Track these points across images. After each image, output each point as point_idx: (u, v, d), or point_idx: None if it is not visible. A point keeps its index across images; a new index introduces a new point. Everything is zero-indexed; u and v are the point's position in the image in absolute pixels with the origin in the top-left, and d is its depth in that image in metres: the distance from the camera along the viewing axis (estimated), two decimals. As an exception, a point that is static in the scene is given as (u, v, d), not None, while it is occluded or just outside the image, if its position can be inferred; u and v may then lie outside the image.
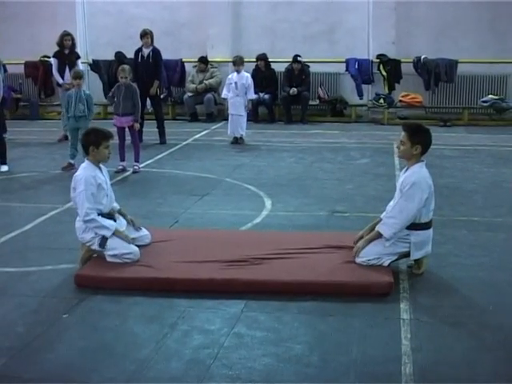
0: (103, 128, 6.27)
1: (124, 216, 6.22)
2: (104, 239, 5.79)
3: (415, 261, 5.81)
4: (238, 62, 12.94)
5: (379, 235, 5.70)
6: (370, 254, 5.68)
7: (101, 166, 6.10)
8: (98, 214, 5.83)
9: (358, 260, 5.69)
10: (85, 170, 5.94)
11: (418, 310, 5.02)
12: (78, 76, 10.28)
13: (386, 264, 5.67)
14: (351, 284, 5.38)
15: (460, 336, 4.63)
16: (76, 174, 5.99)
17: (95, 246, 5.83)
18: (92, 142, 5.98)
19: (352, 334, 4.64)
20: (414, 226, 5.68)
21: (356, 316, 4.95)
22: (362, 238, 5.86)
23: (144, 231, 6.28)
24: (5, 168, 10.30)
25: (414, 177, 5.67)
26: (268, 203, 8.18)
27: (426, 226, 5.73)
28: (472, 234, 6.88)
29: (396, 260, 5.79)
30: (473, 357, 4.33)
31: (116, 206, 6.21)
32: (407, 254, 5.76)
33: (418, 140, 5.74)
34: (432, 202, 5.76)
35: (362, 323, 4.83)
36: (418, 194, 5.60)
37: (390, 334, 4.64)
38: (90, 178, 5.85)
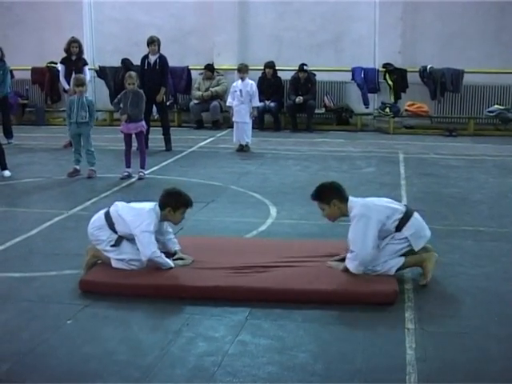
0: (187, 194, 6.05)
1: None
2: (119, 239, 5.80)
3: (421, 267, 5.80)
4: (242, 70, 12.97)
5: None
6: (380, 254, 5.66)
7: (167, 224, 6.08)
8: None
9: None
10: (153, 215, 5.82)
11: (423, 320, 5.01)
12: (81, 83, 10.32)
13: (392, 272, 5.66)
14: (356, 293, 5.37)
15: (465, 346, 4.61)
16: (143, 209, 5.89)
17: (103, 246, 5.82)
18: (172, 205, 5.88)
19: (356, 343, 4.63)
20: (400, 227, 5.67)
21: (361, 325, 4.94)
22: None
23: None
24: (7, 173, 10.26)
25: (357, 211, 5.69)
26: (273, 211, 8.18)
27: (407, 216, 5.71)
28: (477, 243, 6.87)
29: (402, 267, 5.76)
30: (478, 367, 4.31)
31: (177, 246, 6.18)
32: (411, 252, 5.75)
33: (327, 198, 5.82)
34: (385, 213, 5.69)
35: (367, 332, 4.82)
36: (370, 224, 5.59)
37: (395, 343, 4.63)
38: (154, 221, 5.79)
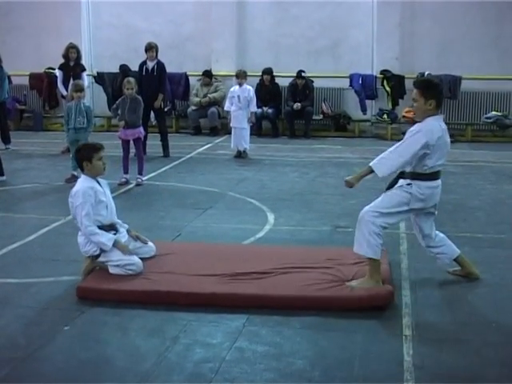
0: (93, 141, 6.30)
1: (129, 232, 6.22)
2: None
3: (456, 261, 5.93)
4: (241, 76, 12.99)
5: (370, 172, 5.70)
6: (378, 205, 5.68)
7: (100, 179, 6.10)
8: (99, 227, 5.84)
9: (365, 213, 5.65)
10: (81, 182, 5.96)
11: (421, 326, 5.00)
12: (79, 89, 10.30)
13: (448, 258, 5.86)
14: (353, 298, 5.36)
15: (462, 353, 4.61)
16: (73, 189, 5.98)
17: (98, 251, 5.84)
18: (84, 158, 5.97)
19: (354, 350, 4.62)
20: (417, 176, 5.64)
21: (358, 332, 4.94)
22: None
23: (149, 244, 6.28)
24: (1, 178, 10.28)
25: (422, 126, 5.62)
26: (271, 217, 8.18)
27: (430, 177, 5.66)
28: (475, 250, 6.85)
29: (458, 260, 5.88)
30: (475, 374, 4.31)
31: (125, 225, 6.23)
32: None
33: (431, 94, 5.67)
34: (440, 155, 5.64)
35: (364, 339, 4.81)
36: (420, 140, 5.54)
37: (392, 350, 4.62)
38: (87, 189, 5.85)
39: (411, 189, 5.64)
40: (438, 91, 5.77)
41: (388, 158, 5.66)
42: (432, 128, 5.61)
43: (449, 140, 5.81)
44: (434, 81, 6.02)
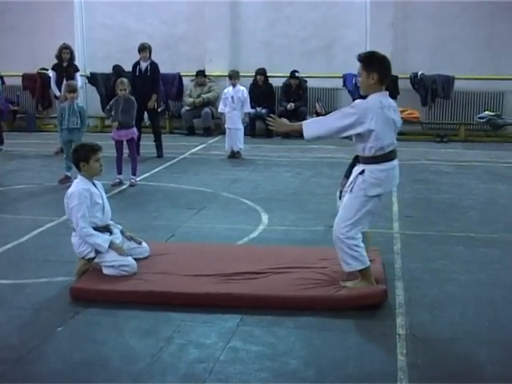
0: (90, 142, 6.27)
1: (123, 233, 6.21)
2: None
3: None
4: (234, 76, 13.00)
5: (299, 129, 5.54)
6: (344, 218, 5.46)
7: (95, 181, 6.09)
8: (94, 228, 5.83)
9: (337, 232, 5.47)
10: (77, 184, 5.95)
11: (414, 326, 5.01)
12: (73, 89, 10.30)
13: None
14: (347, 297, 5.37)
15: (456, 352, 4.62)
16: (68, 190, 5.97)
17: (92, 254, 5.83)
18: (81, 158, 5.96)
19: (348, 350, 4.63)
20: (367, 160, 5.47)
21: (352, 331, 4.95)
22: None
23: (143, 244, 6.28)
24: None
25: (360, 102, 5.45)
26: (265, 218, 8.18)
27: (382, 160, 5.48)
28: (468, 249, 6.88)
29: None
30: (468, 373, 4.32)
31: (118, 226, 6.23)
32: None
33: (373, 68, 5.44)
34: (385, 134, 5.48)
35: (358, 338, 4.82)
36: (351, 116, 5.37)
37: (386, 349, 4.63)
38: (82, 191, 5.85)
39: (364, 176, 5.42)
40: (381, 64, 5.49)
41: (319, 122, 5.57)
42: (368, 105, 5.41)
43: (396, 117, 5.60)
44: (377, 53, 5.67)
